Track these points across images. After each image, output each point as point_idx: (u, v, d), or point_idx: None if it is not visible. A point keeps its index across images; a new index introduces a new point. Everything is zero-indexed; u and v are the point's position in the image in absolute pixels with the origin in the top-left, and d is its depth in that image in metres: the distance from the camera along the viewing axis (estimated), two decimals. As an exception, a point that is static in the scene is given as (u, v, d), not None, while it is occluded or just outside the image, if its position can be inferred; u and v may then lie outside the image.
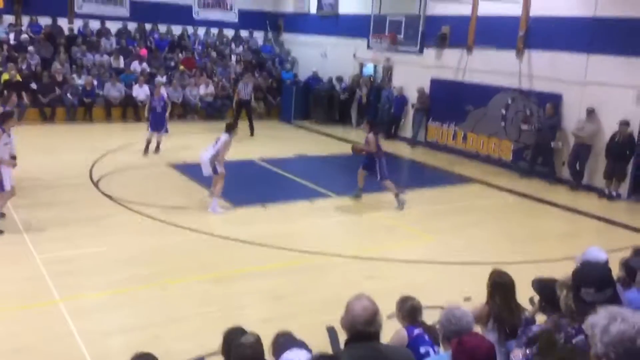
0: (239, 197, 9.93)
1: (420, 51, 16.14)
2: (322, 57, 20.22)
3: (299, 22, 21.77)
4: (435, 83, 15.75)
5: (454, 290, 6.20)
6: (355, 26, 18.46)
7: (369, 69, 19.34)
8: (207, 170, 9.32)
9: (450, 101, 15.15)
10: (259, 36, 22.64)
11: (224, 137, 9.36)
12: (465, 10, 14.41)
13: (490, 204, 10.97)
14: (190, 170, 11.25)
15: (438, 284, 6.86)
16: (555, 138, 12.50)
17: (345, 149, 15.29)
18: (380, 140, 10.48)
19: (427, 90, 15.88)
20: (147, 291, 6.36)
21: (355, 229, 9.19)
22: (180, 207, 9.30)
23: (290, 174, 11.88)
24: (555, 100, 12.56)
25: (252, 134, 16.36)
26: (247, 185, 11.35)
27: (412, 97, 16.33)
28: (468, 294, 5.73)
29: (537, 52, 13.11)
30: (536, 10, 13.06)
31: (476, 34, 14.39)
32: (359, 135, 17.05)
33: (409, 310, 4.08)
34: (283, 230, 8.72)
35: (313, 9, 20.93)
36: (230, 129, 9.52)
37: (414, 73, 16.30)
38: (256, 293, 6.53)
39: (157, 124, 13.06)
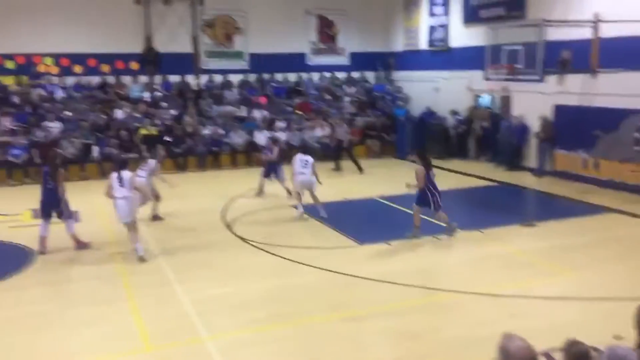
0: (363, 235, 10.06)
1: (541, 78, 15.62)
2: (435, 91, 20.19)
3: (410, 59, 21.96)
4: (560, 110, 15.13)
5: (601, 329, 5.83)
6: (468, 58, 18.29)
7: (485, 100, 19.00)
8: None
9: (576, 127, 14.47)
10: (370, 76, 23.12)
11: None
12: (586, 33, 13.84)
13: (629, 234, 10.24)
14: (314, 211, 11.59)
15: (584, 323, 6.47)
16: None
17: (466, 183, 15.08)
18: (432, 170, 9.95)
19: (550, 117, 15.31)
20: (284, 329, 6.58)
21: (486, 264, 8.93)
22: (308, 247, 9.58)
23: (411, 210, 11.85)
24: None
25: (360, 171, 16.73)
26: (370, 222, 11.48)
27: (533, 125, 15.79)
28: (617, 332, 5.37)
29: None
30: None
31: (600, 57, 13.72)
32: (477, 167, 16.72)
33: (578, 356, 3.88)
34: (411, 266, 8.69)
35: (423, 45, 21.07)
36: None
37: (534, 101, 15.78)
38: (389, 332, 6.53)
39: (269, 171, 13.64)
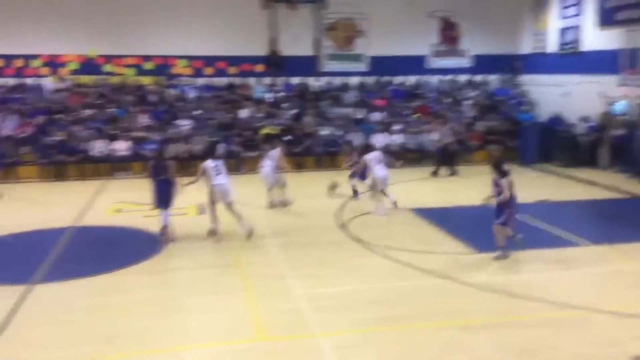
0: (481, 243, 9.77)
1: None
2: (563, 96, 19.11)
3: (537, 62, 20.99)
4: None
5: None
6: (601, 62, 17.17)
7: (619, 107, 17.68)
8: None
9: None
10: (493, 79, 22.36)
11: None
12: None
13: None
14: (430, 215, 11.45)
15: None
16: None
17: (595, 194, 14.13)
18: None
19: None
20: (396, 333, 6.56)
21: (614, 281, 8.32)
22: (422, 252, 9.47)
23: (532, 220, 11.31)
24: None
25: (454, 174, 16.69)
26: (487, 230, 11.09)
27: (676, 135, 14.47)
28: None
29: None
30: None
31: None
32: (609, 178, 15.60)
33: None
34: (530, 278, 8.32)
35: (552, 48, 20.03)
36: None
37: (677, 109, 14.48)
38: (504, 344, 6.30)
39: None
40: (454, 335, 6.50)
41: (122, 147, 17.42)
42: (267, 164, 12.70)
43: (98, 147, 17.29)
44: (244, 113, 19.27)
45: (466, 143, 19.13)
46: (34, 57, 19.50)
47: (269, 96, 20.41)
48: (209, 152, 11.44)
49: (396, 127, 19.11)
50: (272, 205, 12.71)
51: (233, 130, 18.47)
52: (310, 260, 9.14)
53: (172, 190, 10.24)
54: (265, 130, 18.23)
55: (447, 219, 11.40)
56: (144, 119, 18.49)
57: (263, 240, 10.17)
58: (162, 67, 20.39)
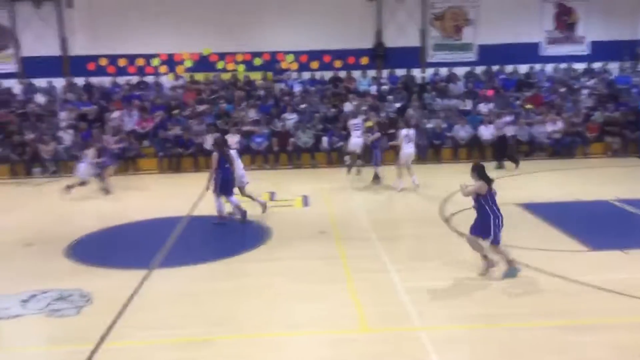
0: (594, 240, 9.23)
1: None
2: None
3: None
4: None
5: None
6: None
7: None
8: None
9: None
10: (613, 67, 20.89)
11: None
12: None
13: None
14: (540, 210, 10.98)
15: None
16: None
17: None
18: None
19: None
20: (499, 330, 6.39)
21: None
22: (530, 248, 9.11)
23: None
24: None
25: (516, 165, 16.11)
26: (603, 227, 10.45)
27: None
28: None
29: None
30: None
31: None
32: None
33: None
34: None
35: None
36: None
37: None
38: (616, 348, 5.93)
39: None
40: (561, 335, 6.21)
41: (232, 140, 18.16)
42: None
43: (211, 141, 18.13)
44: (348, 106, 19.43)
45: (583, 135, 18.08)
46: (154, 56, 20.83)
47: (373, 89, 20.41)
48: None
49: (506, 119, 18.39)
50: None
51: (337, 124, 18.68)
52: (413, 253, 9.10)
53: (233, 179, 11.06)
54: (369, 124, 18.22)
55: (559, 215, 10.86)
56: (252, 113, 19.18)
57: (367, 233, 10.24)
58: (271, 62, 21.03)
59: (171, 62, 20.98)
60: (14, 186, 16.32)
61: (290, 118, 18.85)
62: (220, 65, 21.05)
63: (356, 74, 21.07)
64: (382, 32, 21.02)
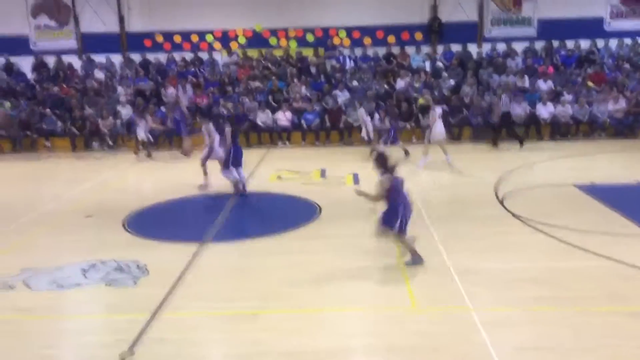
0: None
1: None
2: None
3: None
4: None
5: None
6: None
7: None
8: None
9: None
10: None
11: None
12: None
13: None
14: (599, 193, 10.60)
15: None
16: None
17: None
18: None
19: None
20: (553, 314, 6.23)
21: None
22: (587, 231, 8.82)
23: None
24: None
25: (520, 145, 15.90)
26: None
27: None
28: None
29: None
30: None
31: None
32: None
33: None
34: None
35: None
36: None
37: None
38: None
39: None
40: (617, 322, 6.01)
41: (283, 117, 18.26)
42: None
43: (262, 117, 18.29)
44: (401, 83, 19.14)
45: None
46: (208, 32, 21.04)
47: (427, 65, 20.02)
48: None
49: (566, 97, 17.75)
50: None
51: (390, 101, 18.45)
52: (466, 234, 8.94)
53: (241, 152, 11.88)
54: (421, 101, 17.96)
55: (618, 197, 10.46)
56: (302, 89, 19.17)
57: (418, 212, 10.12)
58: (323, 38, 20.90)
59: (225, 38, 21.15)
60: (75, 159, 16.93)
61: (342, 95, 18.74)
62: (272, 41, 21.07)
63: (410, 50, 20.70)
64: (438, 7, 20.53)
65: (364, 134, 15.80)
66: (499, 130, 16.39)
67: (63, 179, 14.23)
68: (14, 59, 20.93)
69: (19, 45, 20.98)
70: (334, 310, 6.50)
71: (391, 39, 20.81)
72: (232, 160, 11.65)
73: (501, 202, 10.65)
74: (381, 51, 20.69)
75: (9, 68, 20.84)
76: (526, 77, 18.91)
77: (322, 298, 6.82)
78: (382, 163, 7.41)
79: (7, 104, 18.65)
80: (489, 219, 9.71)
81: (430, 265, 7.65)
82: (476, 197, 11.15)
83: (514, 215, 9.82)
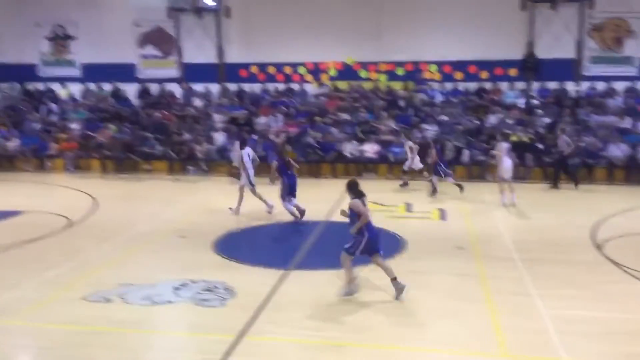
0: None
1: None
2: None
3: None
4: None
5: None
6: None
7: None
8: None
9: None
10: None
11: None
12: None
13: None
14: None
15: None
16: None
17: None
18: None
19: None
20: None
21: None
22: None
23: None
24: None
25: (575, 186, 15.67)
26: None
27: None
28: None
29: None
30: None
31: None
32: None
33: None
34: None
35: None
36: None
37: None
38: None
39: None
40: None
41: (370, 149, 18.32)
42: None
43: (349, 148, 18.44)
44: (492, 119, 18.75)
45: None
46: (301, 64, 21.63)
47: (521, 102, 19.52)
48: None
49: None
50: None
51: (479, 137, 18.11)
52: (560, 279, 8.52)
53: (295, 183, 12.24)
54: (514, 138, 17.47)
55: None
56: (391, 123, 19.19)
57: (509, 253, 9.81)
58: (413, 72, 20.93)
59: (316, 70, 21.64)
60: (171, 182, 17.75)
61: (430, 129, 18.60)
62: (362, 74, 21.34)
63: (503, 85, 20.29)
64: (534, 43, 20.05)
65: (406, 165, 15.89)
66: (557, 171, 15.99)
67: (160, 200, 14.91)
68: (121, 86, 22.41)
69: (126, 72, 22.46)
70: (420, 350, 6.36)
71: (484, 74, 20.50)
72: (288, 190, 12.12)
73: (598, 247, 10.10)
74: (472, 86, 20.41)
75: (117, 94, 22.32)
76: (627, 118, 17.98)
77: (407, 336, 6.70)
78: (355, 190, 7.85)
79: (113, 127, 19.92)
80: (584, 265, 9.23)
81: (521, 309, 7.35)
82: (571, 240, 10.64)
83: (613, 262, 9.27)
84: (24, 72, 23.13)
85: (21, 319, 7.19)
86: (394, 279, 7.74)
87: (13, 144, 19.94)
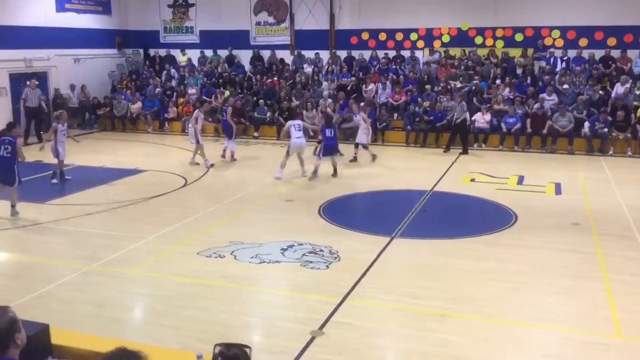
0: None
1: None
2: None
3: None
4: None
5: None
6: None
7: None
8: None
9: None
10: None
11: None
12: None
13: None
14: None
15: None
16: None
17: None
18: None
19: None
20: None
21: None
22: None
23: None
24: None
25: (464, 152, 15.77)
26: None
27: None
28: None
29: None
30: None
31: None
32: None
33: None
34: None
35: None
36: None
37: None
38: None
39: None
40: None
41: (482, 119, 17.64)
42: None
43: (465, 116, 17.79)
44: (619, 89, 17.35)
45: None
46: (413, 30, 21.11)
47: (653, 71, 17.89)
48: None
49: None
50: None
51: (603, 108, 16.85)
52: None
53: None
54: (642, 111, 16.11)
55: None
56: (505, 92, 18.33)
57: (630, 231, 9.15)
58: (533, 38, 19.77)
59: (429, 36, 21.03)
60: (279, 147, 18.15)
61: (549, 99, 17.56)
62: (478, 40, 20.45)
63: (632, 54, 18.65)
64: (673, 5, 18.19)
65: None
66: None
67: (266, 164, 15.32)
68: (235, 52, 23.10)
69: (241, 39, 23.08)
70: (527, 326, 6.13)
71: (611, 41, 18.92)
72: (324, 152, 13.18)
73: None
74: (598, 54, 18.93)
75: (231, 60, 23.04)
76: None
77: (515, 309, 6.49)
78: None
79: (227, 92, 20.65)
80: None
81: (639, 290, 6.87)
82: None
83: None
84: (147, 39, 24.47)
85: (141, 270, 7.75)
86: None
87: (136, 106, 21.26)
